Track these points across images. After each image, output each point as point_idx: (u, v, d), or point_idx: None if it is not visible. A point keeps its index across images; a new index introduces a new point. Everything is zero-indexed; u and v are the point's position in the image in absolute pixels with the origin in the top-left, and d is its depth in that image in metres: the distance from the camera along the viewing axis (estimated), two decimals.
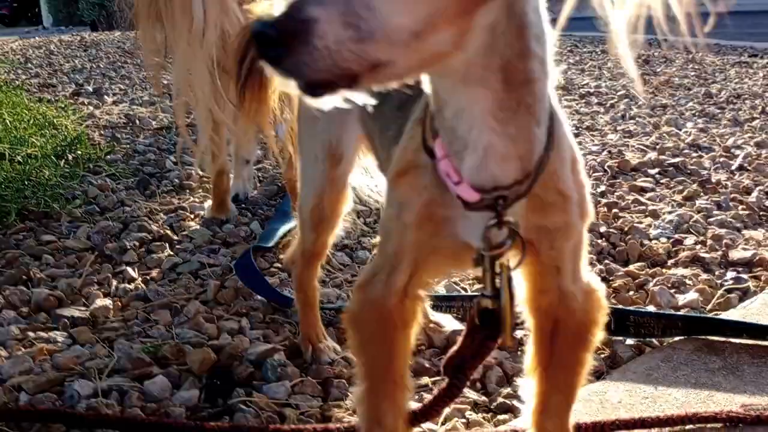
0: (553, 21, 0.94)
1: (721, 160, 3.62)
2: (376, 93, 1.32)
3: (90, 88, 5.57)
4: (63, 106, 4.59)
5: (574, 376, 1.15)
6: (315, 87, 0.77)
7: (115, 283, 2.24)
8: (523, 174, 0.95)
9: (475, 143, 0.93)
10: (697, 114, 4.85)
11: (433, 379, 1.71)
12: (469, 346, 1.12)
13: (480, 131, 0.92)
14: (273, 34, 0.73)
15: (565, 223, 1.02)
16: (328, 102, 0.80)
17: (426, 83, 0.94)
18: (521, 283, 1.13)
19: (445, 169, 0.97)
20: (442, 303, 1.98)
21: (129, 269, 2.32)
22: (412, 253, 1.07)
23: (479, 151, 0.93)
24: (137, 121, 4.38)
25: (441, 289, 2.15)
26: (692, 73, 6.73)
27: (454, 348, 1.16)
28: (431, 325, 1.88)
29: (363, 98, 0.82)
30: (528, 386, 1.21)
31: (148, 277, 2.30)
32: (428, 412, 1.24)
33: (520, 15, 0.86)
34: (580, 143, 3.99)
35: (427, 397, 1.54)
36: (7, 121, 3.23)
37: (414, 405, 1.57)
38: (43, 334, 1.92)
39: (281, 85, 0.79)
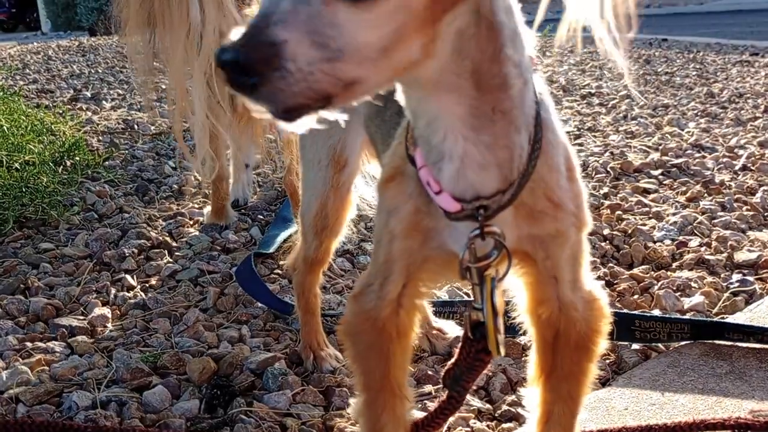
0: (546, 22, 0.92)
1: (725, 160, 3.59)
2: (378, 98, 1.30)
3: (88, 94, 5.55)
4: (61, 111, 4.57)
5: (578, 386, 1.13)
6: (289, 112, 0.74)
7: (113, 291, 2.21)
8: (506, 183, 0.93)
9: (450, 153, 0.90)
10: (699, 114, 4.83)
11: (436, 387, 1.69)
12: (465, 359, 1.10)
13: (455, 140, 0.89)
14: (244, 62, 0.70)
15: (557, 231, 0.99)
16: (302, 125, 0.77)
17: (399, 94, 0.92)
18: (521, 294, 1.11)
19: (426, 179, 0.95)
20: (444, 309, 1.96)
21: (128, 277, 2.30)
22: (402, 261, 1.05)
23: (456, 161, 0.91)
24: (135, 127, 4.36)
25: (444, 295, 2.13)
26: (693, 73, 6.71)
27: (452, 360, 1.14)
28: (434, 332, 1.86)
29: (336, 115, 0.79)
30: (532, 396, 1.18)
31: (147, 285, 2.28)
32: (429, 425, 1.21)
33: (490, 17, 0.84)
34: (581, 144, 3.96)
35: (431, 405, 1.52)
36: (5, 128, 3.20)
37: (417, 415, 1.56)
38: (40, 344, 1.89)
39: (256, 113, 0.76)
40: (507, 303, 1.12)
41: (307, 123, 0.77)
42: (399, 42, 0.75)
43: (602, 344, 1.11)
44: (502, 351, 1.05)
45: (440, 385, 1.68)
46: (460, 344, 1.12)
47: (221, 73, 0.72)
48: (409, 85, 0.88)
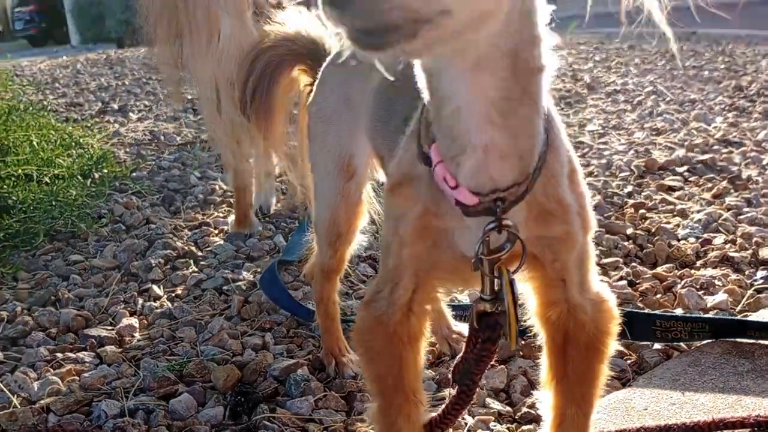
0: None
1: (752, 155, 3.55)
2: (386, 106, 1.32)
3: (115, 106, 5.64)
4: (89, 125, 4.66)
5: (590, 388, 1.14)
6: (379, 33, 0.71)
7: (140, 301, 2.26)
8: (522, 175, 0.93)
9: (474, 143, 0.90)
10: (726, 108, 4.77)
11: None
12: (472, 351, 1.11)
13: (480, 128, 0.89)
14: None
15: (566, 233, 1.00)
16: (382, 57, 0.76)
17: (425, 84, 0.92)
18: (530, 297, 1.12)
19: (442, 174, 0.95)
20: (464, 313, 1.97)
21: (154, 287, 2.34)
22: (411, 267, 1.06)
23: (478, 152, 0.91)
24: (162, 138, 4.43)
25: (465, 299, 2.13)
26: (722, 66, 6.62)
27: (460, 354, 1.15)
28: (454, 336, 1.87)
29: (394, 69, 0.79)
30: (545, 399, 1.19)
31: (173, 295, 2.32)
32: (443, 422, 1.22)
33: (529, 2, 0.86)
34: (605, 143, 3.94)
35: None
36: (35, 143, 3.28)
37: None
38: (71, 354, 1.94)
39: (334, 37, 0.74)
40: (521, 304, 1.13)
41: (385, 57, 0.76)
42: None
43: (612, 345, 1.12)
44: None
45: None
46: (466, 337, 1.14)
47: None
48: (456, 54, 0.85)
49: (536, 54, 0.88)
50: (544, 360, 1.17)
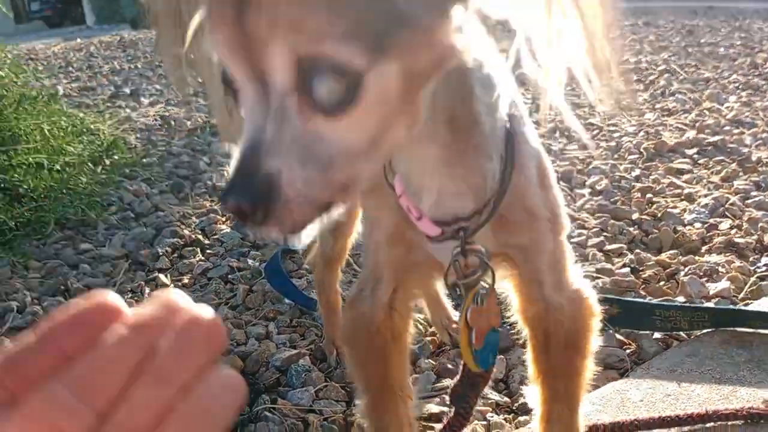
0: None
1: (764, 135, 3.51)
2: None
3: (127, 90, 5.66)
4: (101, 110, 4.68)
5: (573, 383, 1.16)
6: (296, 230, 0.74)
7: (148, 290, 2.29)
8: (482, 204, 0.96)
9: (429, 186, 0.94)
10: (740, 87, 4.72)
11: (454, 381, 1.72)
12: (467, 376, 1.14)
13: (432, 177, 0.93)
14: (247, 205, 0.68)
15: (534, 240, 1.03)
16: (309, 235, 0.76)
17: None
18: (511, 294, 1.14)
19: (406, 205, 0.99)
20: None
21: (161, 276, 2.37)
22: (390, 268, 1.09)
23: (433, 193, 0.95)
24: (172, 123, 4.44)
25: None
26: (738, 43, 6.54)
27: (456, 378, 1.17)
28: (454, 326, 1.88)
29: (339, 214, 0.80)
30: (533, 394, 1.21)
31: (179, 284, 2.35)
32: None
33: (458, 69, 0.82)
34: (615, 125, 3.92)
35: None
36: (46, 131, 3.30)
37: (434, 409, 1.59)
38: None
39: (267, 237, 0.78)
40: (499, 303, 1.15)
41: (312, 231, 0.76)
42: (384, 131, 0.74)
43: (593, 341, 1.14)
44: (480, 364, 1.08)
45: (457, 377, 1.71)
46: (462, 360, 1.16)
47: (230, 214, 0.73)
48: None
49: (475, 111, 0.89)
50: (528, 356, 1.19)
